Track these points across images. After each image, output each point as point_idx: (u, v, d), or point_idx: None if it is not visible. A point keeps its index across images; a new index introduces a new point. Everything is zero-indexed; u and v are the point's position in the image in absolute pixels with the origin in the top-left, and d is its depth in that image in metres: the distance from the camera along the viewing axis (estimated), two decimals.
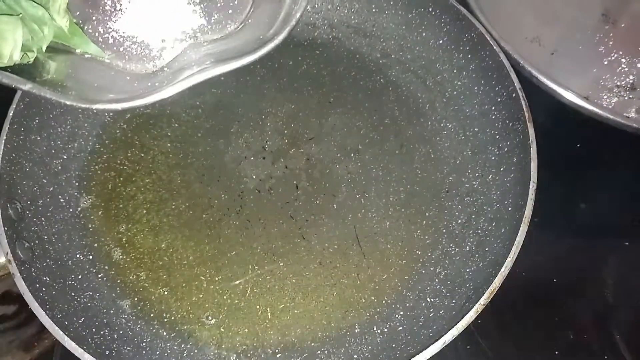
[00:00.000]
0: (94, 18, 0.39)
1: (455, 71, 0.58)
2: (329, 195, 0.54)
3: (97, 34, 0.39)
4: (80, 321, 0.45)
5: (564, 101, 0.55)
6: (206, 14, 0.40)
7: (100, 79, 0.39)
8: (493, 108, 0.55)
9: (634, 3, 0.71)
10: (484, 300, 0.42)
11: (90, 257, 0.50)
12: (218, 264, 0.50)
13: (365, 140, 0.57)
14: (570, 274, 0.57)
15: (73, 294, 0.47)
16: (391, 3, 0.61)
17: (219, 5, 0.40)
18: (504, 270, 0.43)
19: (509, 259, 0.43)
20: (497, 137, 0.54)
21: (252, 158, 0.56)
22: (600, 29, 0.67)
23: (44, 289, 0.44)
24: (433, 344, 0.40)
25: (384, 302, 0.49)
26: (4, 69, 0.36)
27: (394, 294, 0.50)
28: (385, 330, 0.48)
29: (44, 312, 0.41)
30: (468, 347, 0.53)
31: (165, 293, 0.49)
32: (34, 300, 0.41)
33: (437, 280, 0.50)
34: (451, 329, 0.41)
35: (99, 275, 0.50)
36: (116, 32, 0.40)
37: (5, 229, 0.44)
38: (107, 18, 0.40)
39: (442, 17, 0.57)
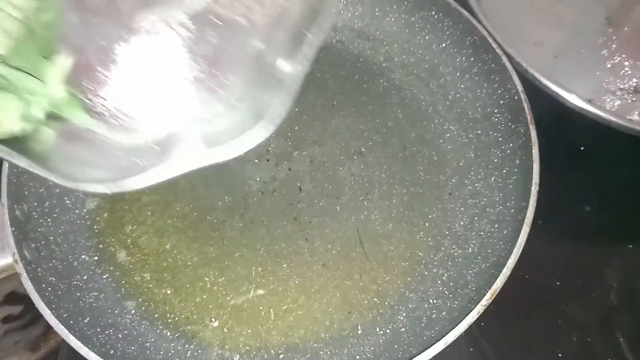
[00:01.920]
0: (86, 87, 0.40)
1: (458, 74, 0.59)
2: (332, 197, 0.55)
3: (91, 105, 0.40)
4: (86, 321, 0.45)
5: (567, 104, 0.55)
6: (197, 93, 0.41)
7: (88, 151, 0.39)
8: (496, 111, 0.55)
9: (637, 7, 0.71)
10: (485, 301, 0.42)
11: (96, 258, 0.51)
12: (222, 266, 0.51)
13: (368, 142, 0.58)
14: (574, 277, 0.57)
15: (78, 294, 0.47)
16: (394, 7, 0.62)
17: (209, 85, 0.41)
18: (506, 272, 0.43)
19: (510, 260, 0.44)
20: (500, 139, 0.54)
21: (256, 160, 0.56)
22: (604, 32, 0.67)
23: (50, 289, 0.44)
24: (435, 344, 0.40)
25: (386, 303, 0.49)
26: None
27: (396, 295, 0.50)
28: (388, 331, 0.48)
29: (49, 312, 0.41)
30: (471, 349, 0.53)
31: (170, 294, 0.49)
32: (40, 299, 0.42)
33: (439, 281, 0.50)
34: (453, 329, 0.41)
35: (104, 276, 0.50)
36: (107, 103, 0.39)
37: (13, 229, 0.45)
38: (99, 88, 0.40)
39: (445, 20, 0.58)
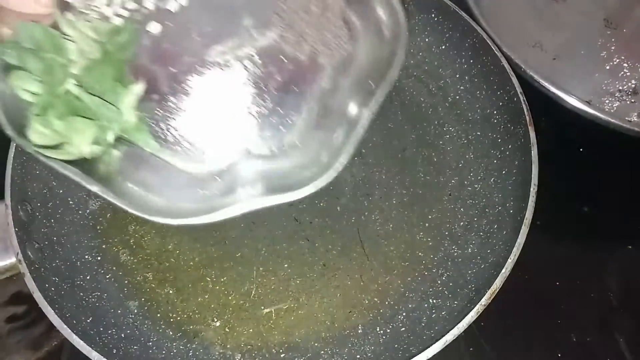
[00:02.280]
0: (155, 114, 0.40)
1: (457, 76, 0.59)
2: (332, 198, 0.55)
3: (157, 130, 0.40)
4: (89, 320, 0.45)
5: (566, 105, 0.55)
6: (259, 128, 0.41)
7: (152, 177, 0.39)
8: (495, 112, 0.55)
9: (636, 8, 0.71)
10: (485, 301, 0.43)
11: (99, 258, 0.51)
12: (223, 266, 0.51)
13: (368, 144, 0.58)
14: (574, 277, 0.57)
15: (81, 294, 0.48)
16: None
17: (272, 121, 0.41)
18: (505, 272, 0.44)
19: (509, 260, 0.44)
20: (499, 140, 0.54)
21: None
22: (602, 34, 0.68)
23: (53, 288, 0.45)
24: (434, 344, 0.41)
25: (386, 303, 0.50)
26: (69, 161, 0.36)
27: (396, 295, 0.50)
28: (388, 331, 0.48)
29: (53, 311, 0.42)
30: (471, 349, 0.54)
31: (172, 294, 0.50)
32: (44, 299, 0.42)
33: (439, 281, 0.51)
34: (452, 329, 0.41)
35: (107, 276, 0.51)
36: (175, 131, 0.40)
37: (16, 230, 0.45)
38: (167, 115, 0.40)
39: (444, 23, 0.58)
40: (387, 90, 0.40)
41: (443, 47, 0.59)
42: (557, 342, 0.54)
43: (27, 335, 0.53)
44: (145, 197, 0.39)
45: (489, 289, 0.43)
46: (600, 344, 0.54)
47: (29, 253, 0.45)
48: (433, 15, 0.58)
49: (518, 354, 0.55)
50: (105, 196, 0.36)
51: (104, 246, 0.52)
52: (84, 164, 0.37)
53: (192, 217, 0.38)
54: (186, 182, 0.40)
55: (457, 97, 0.59)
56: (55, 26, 0.38)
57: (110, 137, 0.38)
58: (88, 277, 0.50)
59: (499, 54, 0.54)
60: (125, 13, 0.40)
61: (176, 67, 0.40)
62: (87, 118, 0.37)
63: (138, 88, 0.39)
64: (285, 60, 0.41)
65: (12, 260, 0.44)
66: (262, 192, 0.39)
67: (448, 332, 0.41)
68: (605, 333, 0.55)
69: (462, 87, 0.59)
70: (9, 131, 0.35)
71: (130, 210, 0.37)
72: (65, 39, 0.38)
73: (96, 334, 0.45)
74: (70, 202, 0.53)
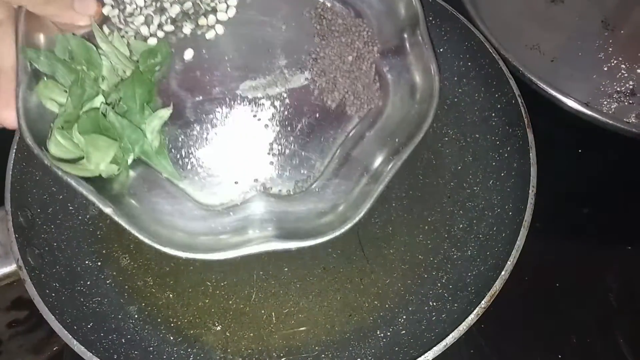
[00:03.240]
0: (178, 141, 0.40)
1: (455, 79, 0.59)
2: None
3: (177, 157, 0.40)
4: (89, 326, 0.46)
5: (564, 107, 0.55)
6: (279, 168, 0.41)
7: (166, 203, 0.39)
8: (493, 114, 0.55)
9: (634, 10, 0.71)
10: (484, 303, 0.43)
11: (99, 263, 0.51)
12: (224, 270, 0.51)
13: None
14: (573, 278, 0.58)
15: (82, 299, 0.48)
16: None
17: (293, 162, 0.41)
18: (504, 274, 0.44)
19: (509, 262, 0.44)
20: (498, 143, 0.55)
21: None
22: (600, 35, 0.68)
23: (53, 294, 0.45)
24: (435, 346, 0.41)
25: (387, 306, 0.50)
26: (84, 178, 0.36)
27: (396, 298, 0.50)
28: (389, 333, 0.48)
29: (53, 317, 0.42)
30: (471, 351, 0.54)
31: (172, 298, 0.50)
32: (44, 305, 0.42)
33: (439, 284, 0.51)
34: (453, 331, 0.41)
35: (108, 281, 0.51)
36: (195, 159, 0.40)
37: (16, 236, 0.45)
38: (191, 143, 0.40)
39: (442, 26, 0.58)
40: (411, 150, 0.40)
41: (441, 50, 0.59)
42: (557, 343, 0.54)
43: (28, 340, 0.53)
44: (155, 225, 0.38)
45: (488, 291, 0.43)
46: (600, 344, 0.55)
47: (29, 259, 0.45)
48: (431, 19, 0.58)
49: (518, 355, 0.55)
50: (117, 219, 0.36)
51: (104, 251, 0.52)
52: (98, 181, 0.37)
53: (200, 252, 0.38)
54: (199, 215, 0.40)
55: (456, 99, 0.59)
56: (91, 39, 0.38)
57: (130, 159, 0.38)
58: (88, 283, 0.50)
59: (497, 56, 0.54)
60: (161, 34, 0.40)
61: (205, 95, 0.41)
62: (110, 137, 0.36)
63: (165, 112, 0.38)
64: (314, 105, 0.41)
65: (13, 266, 0.44)
66: (274, 234, 0.39)
67: (448, 334, 0.41)
68: (605, 334, 0.55)
69: (460, 90, 0.59)
70: (29, 140, 0.35)
71: (140, 237, 0.36)
72: (100, 54, 0.38)
73: (97, 339, 0.45)
74: (70, 208, 0.53)
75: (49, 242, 0.50)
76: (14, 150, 0.49)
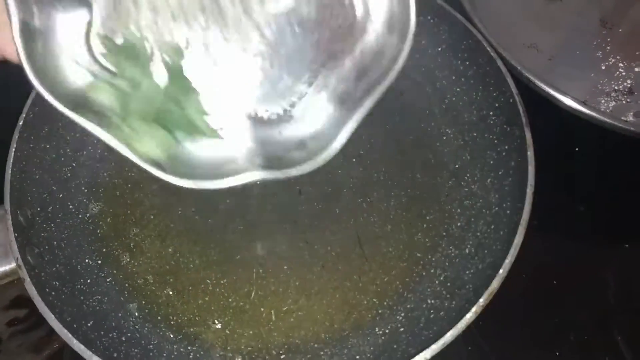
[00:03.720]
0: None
1: (453, 78, 0.59)
2: (331, 200, 0.55)
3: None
4: (89, 324, 0.46)
5: (561, 106, 0.55)
6: (265, 91, 0.41)
7: None
8: (491, 113, 0.55)
9: (632, 8, 0.72)
10: (483, 301, 0.43)
11: (99, 261, 0.52)
12: (223, 268, 0.51)
13: (366, 145, 0.58)
14: (571, 276, 0.58)
15: (82, 297, 0.48)
16: None
17: (279, 84, 0.41)
18: (502, 272, 0.44)
19: (507, 261, 0.44)
20: (496, 141, 0.55)
21: None
22: (598, 34, 0.68)
23: (53, 293, 0.45)
24: (433, 344, 0.41)
25: (385, 303, 0.50)
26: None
27: (395, 295, 0.50)
28: (387, 331, 0.49)
29: (53, 316, 0.42)
30: (470, 348, 0.54)
31: (172, 296, 0.50)
32: (44, 304, 0.42)
33: (437, 282, 0.51)
34: (451, 329, 0.41)
35: (108, 280, 0.51)
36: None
37: (16, 235, 0.45)
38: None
39: (440, 25, 0.58)
40: (389, 83, 0.39)
41: (439, 49, 0.60)
42: (555, 341, 0.55)
43: (28, 339, 0.53)
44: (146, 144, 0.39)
45: (487, 289, 0.43)
46: (598, 343, 0.55)
47: (29, 258, 0.45)
48: (429, 18, 0.58)
49: (516, 354, 0.55)
50: (109, 143, 0.36)
51: (104, 250, 0.52)
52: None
53: (189, 179, 0.38)
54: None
55: (454, 98, 0.60)
56: None
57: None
58: (88, 281, 0.50)
59: (494, 55, 0.54)
60: None
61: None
62: (163, 128, 0.37)
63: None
64: (297, 29, 0.41)
65: (12, 265, 0.44)
66: (260, 164, 0.39)
67: (447, 332, 0.41)
68: (603, 332, 0.55)
69: (458, 89, 0.59)
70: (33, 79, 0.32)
71: (132, 158, 0.36)
72: None
73: (97, 337, 0.45)
74: (70, 207, 0.53)
75: (49, 240, 0.50)
76: (14, 149, 0.49)
